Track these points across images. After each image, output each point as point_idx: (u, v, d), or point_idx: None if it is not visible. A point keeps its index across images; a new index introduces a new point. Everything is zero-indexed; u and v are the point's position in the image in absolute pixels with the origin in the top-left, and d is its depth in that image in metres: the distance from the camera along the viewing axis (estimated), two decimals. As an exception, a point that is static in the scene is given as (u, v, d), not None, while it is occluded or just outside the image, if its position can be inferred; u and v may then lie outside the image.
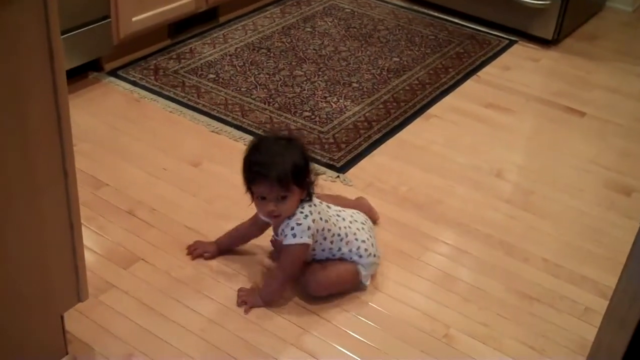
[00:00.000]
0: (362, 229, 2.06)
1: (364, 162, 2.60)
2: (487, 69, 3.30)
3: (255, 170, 1.87)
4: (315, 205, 1.96)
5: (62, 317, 1.71)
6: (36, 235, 1.52)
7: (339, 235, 2.00)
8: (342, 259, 2.02)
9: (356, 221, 2.07)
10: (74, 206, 1.57)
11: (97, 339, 1.85)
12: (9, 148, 1.38)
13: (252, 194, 1.93)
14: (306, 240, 1.92)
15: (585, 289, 2.12)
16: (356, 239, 2.02)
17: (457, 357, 1.88)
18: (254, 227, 2.10)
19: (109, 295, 1.98)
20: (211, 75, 3.04)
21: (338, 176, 2.51)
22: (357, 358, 1.86)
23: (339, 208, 2.08)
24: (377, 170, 2.56)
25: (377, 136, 2.74)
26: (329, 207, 2.04)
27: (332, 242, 2.00)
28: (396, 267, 2.15)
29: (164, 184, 2.41)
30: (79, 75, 2.92)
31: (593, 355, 1.36)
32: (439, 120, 2.89)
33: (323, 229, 1.97)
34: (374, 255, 2.04)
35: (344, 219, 2.04)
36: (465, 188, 2.51)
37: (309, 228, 1.92)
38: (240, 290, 2.00)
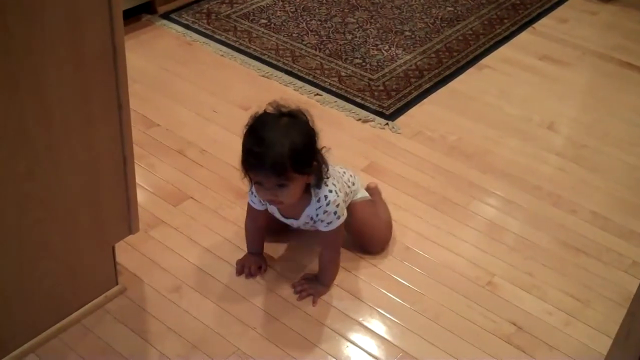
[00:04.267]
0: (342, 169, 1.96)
1: (413, 111, 2.58)
2: (544, 20, 3.24)
3: (250, 159, 1.67)
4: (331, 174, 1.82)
5: (113, 248, 1.76)
6: (91, 166, 1.55)
7: (347, 188, 1.91)
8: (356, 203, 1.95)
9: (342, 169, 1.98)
10: (127, 139, 1.60)
11: (147, 271, 1.90)
12: (66, 78, 1.41)
13: (249, 179, 1.74)
14: (345, 214, 1.83)
15: (633, 242, 2.10)
16: (353, 182, 1.94)
17: (500, 304, 1.88)
18: (260, 220, 1.91)
19: (159, 231, 2.02)
20: (263, 21, 3.04)
21: (387, 123, 2.50)
22: (399, 300, 1.88)
23: None
24: (426, 119, 2.55)
25: (427, 85, 2.72)
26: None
27: (346, 195, 1.90)
28: (443, 215, 2.15)
29: (214, 126, 2.44)
30: (132, 18, 2.95)
31: (637, 303, 1.35)
32: (492, 71, 2.85)
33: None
34: (354, 177, 1.97)
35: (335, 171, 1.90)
36: (516, 139, 2.49)
37: (344, 201, 1.83)
38: (297, 285, 1.89)
